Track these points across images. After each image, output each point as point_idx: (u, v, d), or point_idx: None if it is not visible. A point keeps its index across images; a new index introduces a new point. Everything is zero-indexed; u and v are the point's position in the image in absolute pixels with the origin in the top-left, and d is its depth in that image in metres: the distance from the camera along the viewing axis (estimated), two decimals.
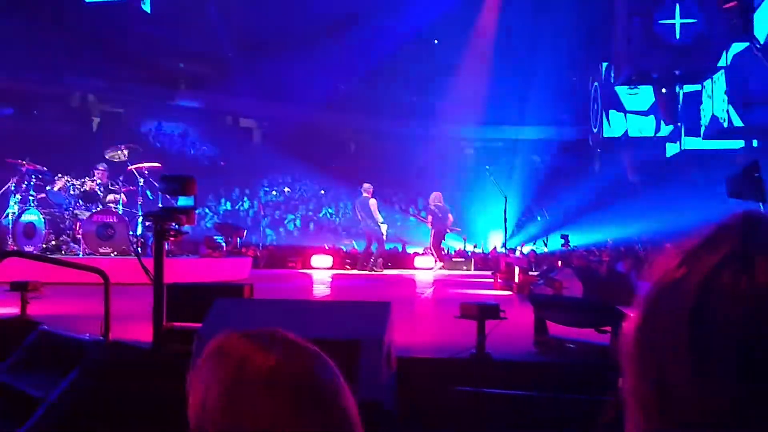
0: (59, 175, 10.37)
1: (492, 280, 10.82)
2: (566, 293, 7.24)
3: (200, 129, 31.56)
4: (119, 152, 10.70)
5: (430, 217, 14.62)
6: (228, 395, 0.96)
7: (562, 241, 14.86)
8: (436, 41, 33.37)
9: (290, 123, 31.61)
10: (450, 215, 14.86)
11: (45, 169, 10.63)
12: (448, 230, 15.20)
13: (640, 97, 21.72)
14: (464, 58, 30.68)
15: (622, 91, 21.06)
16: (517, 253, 16.21)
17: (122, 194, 10.39)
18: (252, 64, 29.46)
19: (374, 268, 13.36)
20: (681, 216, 14.02)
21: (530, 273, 9.97)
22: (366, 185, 13.53)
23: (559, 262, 13.54)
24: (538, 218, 21.31)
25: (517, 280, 9.35)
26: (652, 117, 21.38)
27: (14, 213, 9.91)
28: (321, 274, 13.01)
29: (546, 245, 16.08)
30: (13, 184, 10.22)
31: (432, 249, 14.87)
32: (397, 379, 3.56)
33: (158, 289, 4.06)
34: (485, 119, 33.48)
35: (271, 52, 27.95)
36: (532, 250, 17.75)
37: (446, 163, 30.83)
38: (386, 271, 13.91)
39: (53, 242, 9.85)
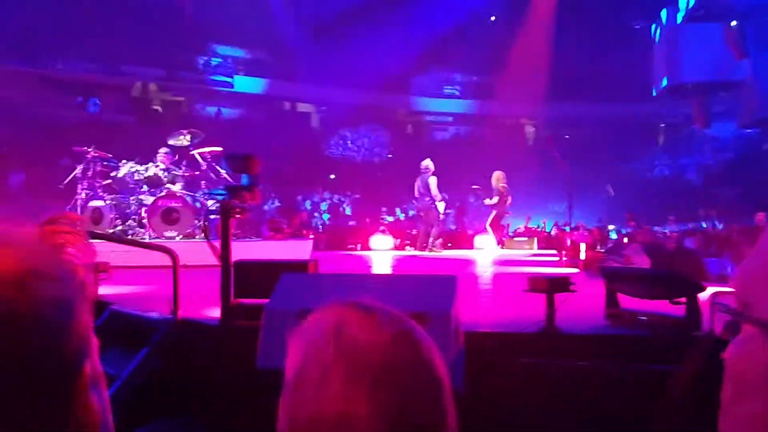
0: (123, 162, 10.60)
1: (557, 259, 10.64)
2: None
3: (259, 114, 31.94)
4: (182, 138, 10.89)
5: (496, 198, 14.38)
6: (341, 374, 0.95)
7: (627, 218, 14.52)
8: (492, 18, 32.88)
9: (347, 106, 31.69)
10: (510, 196, 14.64)
11: (110, 156, 10.89)
12: (508, 212, 14.99)
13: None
14: (522, 34, 30.17)
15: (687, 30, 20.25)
16: (581, 229, 15.90)
17: (184, 178, 10.57)
18: (310, 49, 29.63)
19: (434, 248, 13.28)
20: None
21: (596, 250, 9.76)
22: (426, 162, 13.41)
23: (625, 239, 13.24)
24: (610, 190, 20.80)
25: (583, 257, 9.16)
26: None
27: (82, 199, 10.19)
28: (381, 255, 13.02)
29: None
30: (80, 172, 10.50)
31: (491, 229, 14.69)
32: (465, 354, 3.51)
33: (225, 266, 4.09)
34: (546, 95, 32.91)
35: (328, 35, 28.01)
36: (597, 227, 17.38)
37: (506, 141, 30.50)
38: (446, 252, 13.81)
39: (120, 227, 10.09)
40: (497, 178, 14.44)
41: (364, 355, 0.94)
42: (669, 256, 8.85)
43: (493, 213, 14.41)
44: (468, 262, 11.31)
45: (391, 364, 0.94)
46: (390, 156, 29.22)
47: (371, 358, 0.94)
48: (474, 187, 15.86)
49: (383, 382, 0.92)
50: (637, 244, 9.86)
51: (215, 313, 4.28)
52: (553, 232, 18.41)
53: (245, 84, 31.08)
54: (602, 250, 10.39)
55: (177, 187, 10.32)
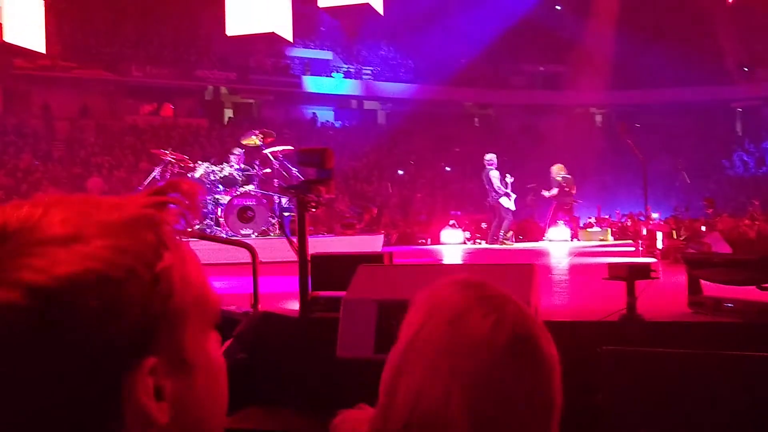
0: (199, 163, 10.89)
1: (633, 249, 10.40)
2: None
3: (327, 113, 32.30)
4: (254, 138, 11.11)
5: (556, 190, 14.19)
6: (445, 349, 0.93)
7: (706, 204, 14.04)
8: (558, 7, 32.33)
9: (413, 101, 31.70)
10: (574, 187, 14.39)
11: (186, 157, 11.20)
12: (574, 202, 14.72)
13: None
14: (589, 22, 29.54)
15: None
16: (656, 218, 15.48)
17: (257, 177, 10.79)
18: (373, 45, 29.80)
19: (505, 241, 13.16)
20: None
21: (674, 239, 9.50)
22: (488, 156, 13.32)
23: (703, 227, 12.82)
24: (686, 177, 20.17)
25: (660, 246, 8.93)
26: None
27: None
28: (452, 249, 12.99)
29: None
30: (158, 174, 10.84)
31: (548, 224, 14.53)
32: None
33: (302, 259, 4.17)
34: (614, 83, 32.15)
35: (392, 31, 28.07)
36: (673, 215, 16.89)
37: (576, 130, 29.93)
38: (517, 245, 13.67)
39: (198, 226, 10.37)
40: (557, 170, 14.25)
41: (471, 355, 0.91)
42: (750, 243, 8.55)
43: (554, 205, 14.27)
44: (541, 254, 11.17)
45: (497, 374, 0.90)
46: (458, 150, 29.08)
47: (478, 360, 0.90)
48: (530, 186, 15.67)
49: (482, 389, 0.89)
50: (717, 233, 9.56)
51: (294, 306, 4.36)
52: (628, 222, 17.98)
53: (313, 84, 31.45)
54: (680, 239, 10.10)
55: (251, 186, 10.55)
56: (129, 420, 0.62)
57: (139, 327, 0.62)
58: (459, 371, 0.90)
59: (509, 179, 13.34)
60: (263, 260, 7.86)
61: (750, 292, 3.91)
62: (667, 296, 4.64)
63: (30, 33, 15.97)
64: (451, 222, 15.43)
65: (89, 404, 0.60)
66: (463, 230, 15.35)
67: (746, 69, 31.64)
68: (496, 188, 13.02)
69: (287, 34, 17.83)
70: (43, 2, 16.39)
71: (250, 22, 17.60)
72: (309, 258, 4.31)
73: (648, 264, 3.86)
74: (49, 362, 0.59)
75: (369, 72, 32.28)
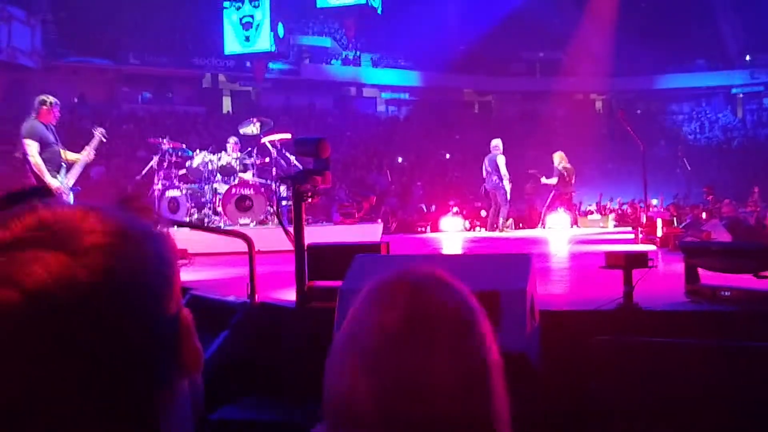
0: (197, 151, 10.86)
1: (632, 236, 10.38)
2: None
3: (326, 101, 32.20)
4: (252, 126, 11.08)
5: (556, 178, 14.16)
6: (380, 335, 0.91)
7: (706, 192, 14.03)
8: None
9: (413, 89, 31.61)
10: (574, 176, 14.36)
11: (184, 146, 11.17)
12: (573, 192, 14.69)
13: None
14: (588, 7, 29.38)
15: None
16: (657, 205, 15.46)
17: (255, 166, 10.76)
18: (369, 31, 29.65)
19: (504, 229, 13.15)
20: None
21: (674, 226, 9.48)
22: (495, 141, 13.27)
23: (704, 214, 12.82)
24: (687, 166, 20.09)
25: (660, 233, 8.91)
26: None
27: (159, 189, 10.49)
28: (451, 237, 12.98)
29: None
30: (156, 163, 10.81)
31: (544, 212, 14.52)
32: (540, 332, 3.47)
33: (299, 249, 4.16)
34: (615, 70, 32.04)
35: (388, 15, 27.93)
36: (673, 202, 16.88)
37: (576, 117, 29.85)
38: (517, 232, 13.67)
39: (195, 216, 10.35)
40: (559, 158, 14.20)
41: (369, 342, 0.90)
42: (750, 230, 8.54)
43: (552, 194, 14.25)
44: (540, 242, 11.17)
45: (394, 357, 0.88)
46: (457, 137, 29.02)
47: (377, 346, 0.89)
48: (531, 171, 15.62)
49: (384, 374, 0.87)
50: (716, 220, 9.55)
51: (291, 296, 4.36)
52: (627, 209, 17.97)
53: (312, 71, 31.35)
54: (680, 226, 10.09)
55: (249, 175, 10.53)
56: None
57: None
58: (359, 360, 0.89)
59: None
60: (262, 249, 7.88)
61: (747, 281, 3.90)
62: (664, 284, 4.64)
63: None
64: (455, 209, 15.41)
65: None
66: (463, 218, 15.34)
67: (748, 57, 31.54)
68: (503, 174, 12.97)
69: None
70: None
71: None
72: (306, 248, 4.31)
73: (645, 252, 3.85)
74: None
75: (368, 59, 32.18)
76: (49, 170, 7.50)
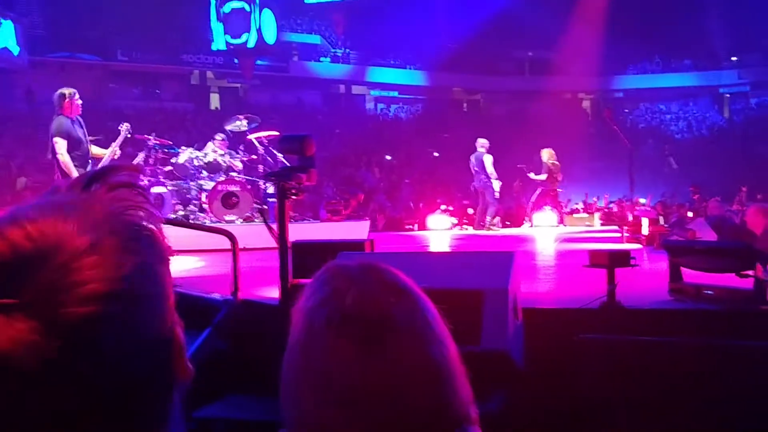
0: (183, 148, 10.80)
1: (619, 235, 10.42)
2: None
3: (315, 98, 32.14)
4: (238, 123, 11.02)
5: (545, 175, 14.19)
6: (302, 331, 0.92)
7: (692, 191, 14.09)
8: None
9: (401, 86, 31.61)
10: (560, 173, 14.40)
11: (170, 143, 11.10)
12: (558, 190, 14.74)
13: None
14: (577, 7, 29.45)
15: None
16: (644, 204, 15.51)
17: (242, 163, 10.72)
18: (358, 29, 29.60)
19: (491, 227, 13.16)
20: None
21: (660, 224, 9.52)
22: (482, 140, 13.29)
23: (690, 213, 12.88)
24: (673, 163, 20.21)
25: (645, 232, 8.95)
26: None
27: (144, 185, 10.42)
28: (438, 235, 12.98)
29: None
30: (142, 159, 10.74)
31: (530, 207, 14.56)
32: (524, 331, 3.47)
33: (283, 247, 4.14)
34: (603, 69, 32.16)
35: (380, 16, 27.91)
36: (660, 201, 16.95)
37: (564, 116, 29.91)
38: (504, 230, 13.69)
39: (181, 212, 10.29)
40: (547, 155, 14.24)
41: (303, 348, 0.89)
42: (736, 230, 8.57)
43: (538, 190, 14.29)
44: (526, 240, 11.19)
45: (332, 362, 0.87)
46: (446, 135, 29.03)
47: (316, 353, 0.88)
48: (519, 166, 15.66)
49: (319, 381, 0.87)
50: (702, 219, 9.59)
51: (274, 293, 4.34)
52: (614, 208, 18.04)
53: (301, 69, 31.28)
54: (666, 225, 10.13)
55: (235, 172, 10.48)
56: None
57: None
58: (325, 394, 0.86)
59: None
60: (248, 247, 7.84)
61: (730, 280, 3.91)
62: (648, 283, 4.65)
63: None
64: (442, 207, 15.41)
65: None
66: (451, 216, 15.35)
67: (734, 58, 31.73)
68: (489, 173, 12.99)
69: None
70: None
71: None
72: (290, 245, 4.29)
73: (627, 251, 3.86)
74: None
75: (357, 57, 32.14)
76: (77, 167, 7.41)
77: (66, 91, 7.67)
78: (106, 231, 0.61)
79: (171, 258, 0.71)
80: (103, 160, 7.90)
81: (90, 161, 7.73)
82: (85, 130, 7.79)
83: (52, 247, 0.58)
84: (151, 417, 0.64)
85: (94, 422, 0.58)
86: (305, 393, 0.88)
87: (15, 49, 24.97)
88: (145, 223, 0.67)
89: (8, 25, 24.86)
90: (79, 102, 7.76)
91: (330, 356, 0.87)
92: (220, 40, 26.66)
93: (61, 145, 7.37)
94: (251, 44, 26.34)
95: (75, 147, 7.47)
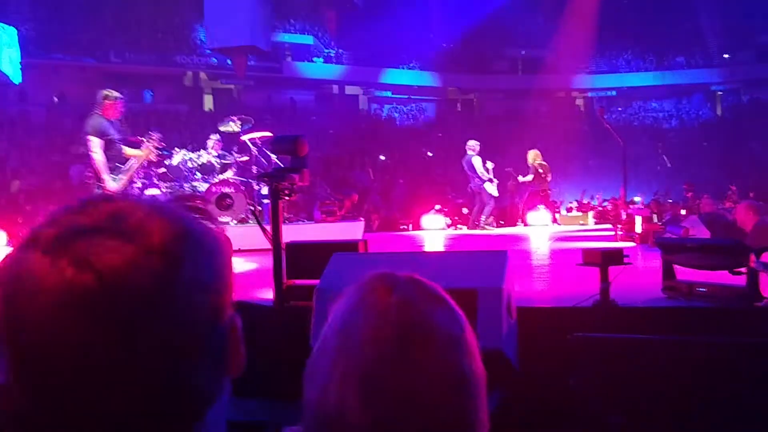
0: (176, 150, 10.78)
1: (613, 233, 10.45)
2: None
3: (308, 99, 32.11)
4: (232, 124, 11.01)
5: (530, 176, 14.23)
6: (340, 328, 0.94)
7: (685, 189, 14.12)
8: None
9: (395, 86, 31.59)
10: (550, 173, 14.42)
11: (164, 144, 11.07)
12: (549, 189, 14.75)
13: None
14: (570, 5, 29.47)
15: None
16: (638, 202, 15.54)
17: (236, 164, 10.70)
18: (355, 29, 29.57)
19: (486, 226, 13.18)
20: None
21: (653, 222, 9.55)
22: (471, 142, 13.31)
23: (683, 211, 12.91)
24: (666, 161, 20.25)
25: (639, 230, 8.97)
26: None
27: (138, 188, 10.39)
28: (432, 235, 13.00)
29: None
30: (135, 160, 10.70)
31: (522, 209, 14.58)
32: (518, 329, 3.48)
33: (277, 248, 4.14)
34: (596, 68, 32.23)
35: (373, 16, 27.88)
36: (654, 199, 17.00)
37: (558, 115, 29.95)
38: (498, 230, 13.71)
39: None
40: (533, 156, 14.27)
41: (360, 354, 0.89)
42: (729, 227, 8.61)
43: (528, 192, 14.33)
44: (520, 239, 11.21)
45: (387, 369, 0.88)
46: (440, 135, 29.03)
47: (367, 358, 0.88)
48: (507, 170, 15.69)
49: (374, 385, 0.87)
50: (695, 217, 9.62)
51: (269, 294, 4.34)
52: (608, 206, 18.08)
53: (294, 69, 31.23)
54: (659, 223, 10.16)
55: (229, 174, 10.47)
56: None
57: None
58: (351, 372, 0.89)
59: (490, 165, 13.34)
60: (243, 248, 7.83)
61: (723, 277, 3.93)
62: (642, 281, 4.67)
63: None
64: (437, 207, 15.42)
65: None
66: (445, 216, 15.35)
67: (727, 55, 31.81)
68: (480, 174, 13.01)
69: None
70: None
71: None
72: (284, 246, 4.28)
73: (621, 249, 3.87)
74: None
75: (350, 57, 32.11)
76: (110, 168, 7.48)
77: (110, 93, 7.73)
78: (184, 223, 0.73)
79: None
80: (135, 161, 7.92)
81: (119, 164, 7.75)
82: (121, 133, 7.82)
83: (144, 207, 0.72)
84: (202, 394, 0.72)
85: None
86: (333, 371, 0.90)
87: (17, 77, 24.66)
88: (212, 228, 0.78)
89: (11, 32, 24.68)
90: (122, 109, 7.80)
91: (368, 345, 0.89)
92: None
93: (95, 143, 7.40)
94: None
95: (107, 147, 7.50)
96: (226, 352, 0.76)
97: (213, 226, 0.79)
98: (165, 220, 0.71)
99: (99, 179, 7.37)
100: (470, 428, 0.91)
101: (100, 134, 7.43)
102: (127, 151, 7.86)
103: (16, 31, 24.46)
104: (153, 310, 0.66)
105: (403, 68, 31.79)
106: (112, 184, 7.49)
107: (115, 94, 7.76)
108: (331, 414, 0.89)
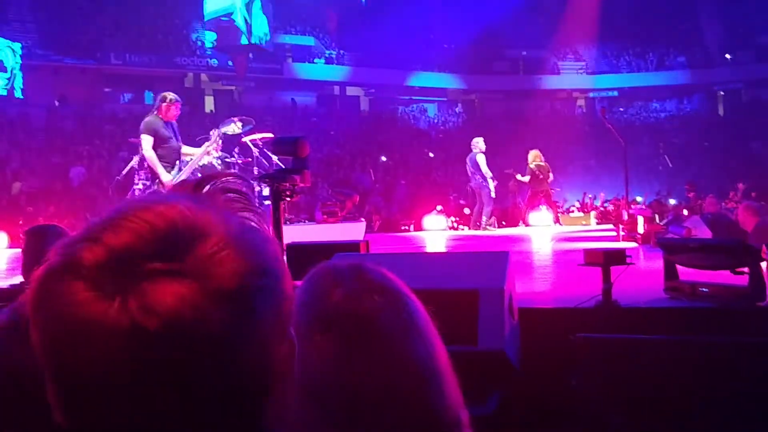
0: None
1: (614, 233, 10.43)
2: None
3: (309, 99, 32.12)
4: (233, 125, 10.99)
5: (528, 177, 14.21)
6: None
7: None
8: None
9: (396, 87, 31.60)
10: (550, 174, 14.38)
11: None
12: (550, 190, 14.72)
13: None
14: (572, 6, 29.47)
15: None
16: (640, 202, 15.52)
17: (237, 166, 10.68)
18: (356, 30, 29.58)
19: (488, 227, 13.16)
20: None
21: (655, 223, 9.53)
22: (476, 139, 13.29)
23: (685, 211, 12.90)
24: (667, 161, 20.25)
25: (641, 230, 8.95)
26: None
27: (139, 189, 10.38)
28: (434, 236, 12.99)
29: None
30: (137, 163, 10.70)
31: (524, 209, 14.55)
32: (520, 330, 3.47)
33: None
34: (597, 68, 32.21)
35: (374, 16, 27.89)
36: (656, 199, 16.98)
37: (559, 116, 29.97)
38: (500, 230, 13.70)
39: None
40: (532, 157, 14.25)
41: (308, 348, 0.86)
42: (730, 227, 8.60)
43: (528, 193, 14.32)
44: (522, 240, 11.20)
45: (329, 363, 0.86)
46: (441, 135, 29.03)
47: (315, 353, 0.86)
48: (506, 171, 15.66)
49: (323, 381, 0.85)
50: (697, 217, 9.61)
51: None
52: (610, 207, 18.07)
53: (295, 70, 31.24)
54: (662, 223, 10.15)
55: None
56: None
57: None
58: (306, 387, 0.84)
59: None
60: None
61: (725, 277, 3.91)
62: (644, 281, 4.65)
63: None
64: (438, 208, 15.41)
65: None
66: (447, 217, 15.35)
67: (728, 55, 31.79)
68: (484, 172, 12.98)
69: None
70: None
71: None
72: (285, 248, 4.28)
73: (623, 249, 3.86)
74: None
75: (351, 58, 32.12)
76: (164, 166, 7.58)
77: (168, 95, 7.89)
78: (242, 227, 0.65)
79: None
80: (194, 159, 8.00)
81: (178, 162, 7.90)
82: (178, 134, 8.04)
83: (204, 226, 0.61)
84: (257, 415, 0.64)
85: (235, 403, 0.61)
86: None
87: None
88: (256, 226, 0.69)
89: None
90: (178, 111, 7.90)
91: (313, 355, 0.86)
92: (212, 36, 26.62)
93: (147, 141, 7.53)
94: (243, 41, 26.33)
95: (161, 144, 7.66)
96: (288, 389, 0.68)
97: (256, 213, 0.70)
98: (234, 249, 0.61)
99: (154, 176, 7.46)
100: (435, 414, 0.88)
101: (153, 132, 7.55)
102: (186, 150, 7.96)
103: (20, 46, 24.57)
104: (218, 361, 0.58)
105: (404, 70, 31.78)
106: (167, 177, 7.60)
107: (172, 96, 7.89)
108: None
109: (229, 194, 0.70)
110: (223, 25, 26.61)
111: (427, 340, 0.91)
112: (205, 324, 0.58)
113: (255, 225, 0.68)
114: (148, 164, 9.68)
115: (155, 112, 7.71)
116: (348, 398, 0.84)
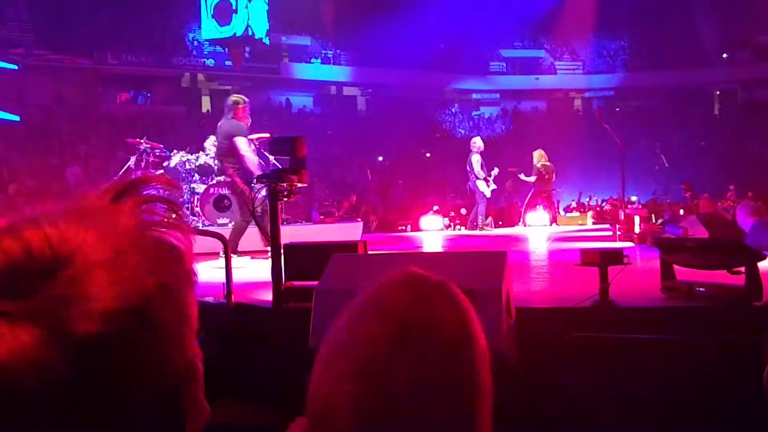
0: (174, 151, 10.78)
1: (611, 233, 10.45)
2: None
3: (306, 99, 32.11)
4: None
5: (534, 177, 14.20)
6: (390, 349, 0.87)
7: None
8: None
9: (393, 87, 31.58)
10: (554, 174, 14.38)
11: (161, 146, 11.08)
12: (552, 189, 14.72)
13: None
14: (567, 7, 29.50)
15: None
16: (634, 202, 15.54)
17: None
18: (353, 30, 29.57)
19: (484, 227, 13.16)
20: None
21: (652, 223, 9.54)
22: (473, 139, 13.29)
23: (682, 211, 12.92)
24: (664, 161, 20.26)
25: (638, 230, 8.97)
26: None
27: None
28: (431, 236, 12.99)
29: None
30: (133, 163, 10.71)
31: (523, 209, 14.54)
32: (517, 330, 3.47)
33: (275, 250, 4.13)
34: (594, 68, 32.24)
35: (371, 16, 27.87)
36: (652, 199, 17.00)
37: (556, 116, 29.98)
38: (497, 230, 13.70)
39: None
40: (537, 157, 14.22)
41: (361, 350, 0.86)
42: (727, 226, 8.61)
43: (531, 191, 14.29)
44: (519, 240, 11.21)
45: (380, 365, 0.84)
46: (438, 136, 29.04)
47: (366, 353, 0.85)
48: (510, 170, 15.64)
49: (367, 382, 0.84)
50: (694, 216, 9.62)
51: (267, 296, 4.33)
52: (606, 207, 18.09)
53: (292, 70, 31.24)
54: (658, 223, 10.17)
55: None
56: None
57: None
58: (351, 365, 0.85)
59: (495, 171, 13.30)
60: (242, 250, 7.81)
61: (722, 276, 3.92)
62: (641, 281, 4.66)
63: None
64: (435, 208, 15.41)
65: None
66: (443, 216, 15.35)
67: (725, 55, 31.86)
68: (476, 172, 12.98)
69: None
70: None
71: None
72: (282, 247, 4.28)
73: (620, 249, 3.87)
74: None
75: (348, 58, 32.13)
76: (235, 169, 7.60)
77: (241, 98, 7.84)
78: (130, 246, 0.58)
79: (197, 281, 0.67)
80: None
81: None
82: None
83: (68, 255, 0.55)
84: None
85: None
86: (329, 367, 0.87)
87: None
88: (174, 242, 0.63)
89: None
90: (249, 112, 7.90)
91: (366, 342, 0.86)
92: (209, 29, 26.44)
93: (244, 143, 7.52)
94: (239, 32, 26.19)
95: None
96: (181, 404, 0.63)
97: (179, 226, 0.64)
98: (101, 279, 0.54)
99: (250, 177, 7.40)
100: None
101: (245, 134, 7.58)
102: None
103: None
104: (60, 406, 0.53)
105: (401, 69, 31.77)
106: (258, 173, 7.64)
107: (244, 98, 7.91)
108: (322, 407, 0.86)
109: (151, 204, 0.65)
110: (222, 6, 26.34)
111: (476, 364, 0.90)
112: (43, 372, 0.52)
113: (167, 240, 0.63)
114: (147, 163, 9.70)
115: (231, 116, 7.64)
116: (386, 402, 0.83)
